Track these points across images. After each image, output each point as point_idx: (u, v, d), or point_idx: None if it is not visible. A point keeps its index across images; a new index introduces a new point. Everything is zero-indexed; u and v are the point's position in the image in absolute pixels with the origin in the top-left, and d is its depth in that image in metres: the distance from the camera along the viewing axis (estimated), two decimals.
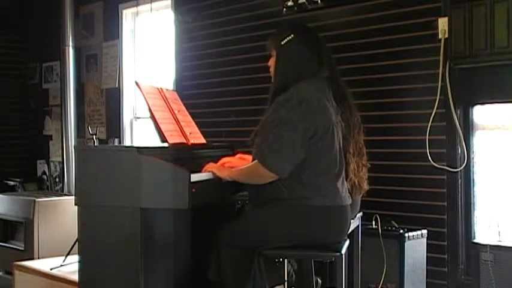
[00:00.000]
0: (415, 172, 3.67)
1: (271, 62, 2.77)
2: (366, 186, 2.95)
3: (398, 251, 3.34)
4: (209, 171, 2.66)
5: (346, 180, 2.74)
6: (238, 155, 2.92)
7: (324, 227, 2.55)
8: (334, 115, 2.61)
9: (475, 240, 3.39)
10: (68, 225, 4.21)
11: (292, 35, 2.68)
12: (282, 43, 2.69)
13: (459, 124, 3.52)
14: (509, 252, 3.14)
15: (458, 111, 3.53)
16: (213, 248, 2.58)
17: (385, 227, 3.50)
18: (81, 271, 2.68)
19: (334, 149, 2.58)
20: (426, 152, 3.58)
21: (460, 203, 3.53)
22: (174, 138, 2.90)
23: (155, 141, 2.92)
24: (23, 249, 4.70)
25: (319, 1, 4.08)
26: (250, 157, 2.73)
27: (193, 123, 3.29)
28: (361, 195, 2.98)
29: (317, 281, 3.27)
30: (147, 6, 5.36)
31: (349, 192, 2.72)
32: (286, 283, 2.92)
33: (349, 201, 2.67)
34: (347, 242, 2.67)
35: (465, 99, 3.53)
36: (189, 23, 5.02)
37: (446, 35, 3.47)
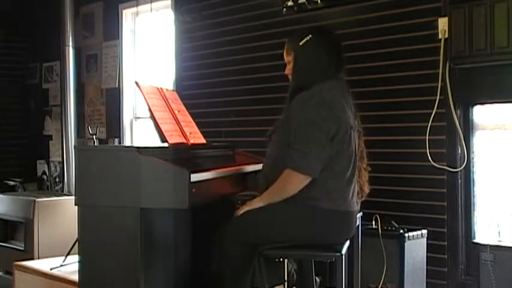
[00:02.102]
0: (415, 172, 3.67)
1: (288, 70, 2.75)
2: (367, 190, 2.95)
3: (398, 251, 3.34)
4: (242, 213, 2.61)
5: None
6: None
7: (328, 230, 2.55)
8: (352, 118, 2.61)
9: (475, 240, 3.38)
10: (68, 225, 4.21)
11: (310, 35, 2.68)
12: (301, 43, 2.67)
13: (459, 124, 3.52)
14: (509, 252, 3.14)
15: (458, 111, 3.53)
16: (215, 243, 2.57)
17: (385, 227, 3.50)
18: (81, 271, 2.68)
19: (350, 152, 2.57)
20: (426, 152, 3.58)
21: (460, 203, 3.53)
22: (174, 138, 2.90)
23: (155, 141, 2.92)
24: (23, 249, 4.69)
25: (319, 1, 4.08)
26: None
27: (193, 123, 3.29)
28: (362, 199, 2.98)
29: (316, 280, 3.28)
30: (147, 6, 5.36)
31: None
32: (286, 283, 2.93)
33: (357, 206, 2.66)
34: (347, 242, 2.67)
35: (465, 99, 3.53)
36: (189, 23, 5.02)
37: (446, 35, 3.47)
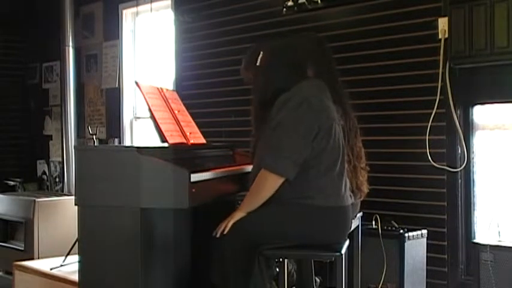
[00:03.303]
0: (415, 172, 3.67)
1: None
2: (365, 189, 2.95)
3: (398, 251, 3.34)
4: (225, 226, 2.57)
5: None
6: None
7: (325, 227, 2.54)
8: (335, 112, 2.61)
9: (475, 240, 3.39)
10: (68, 225, 4.22)
11: (261, 52, 2.72)
12: (257, 63, 2.71)
13: (459, 124, 3.52)
14: (509, 252, 3.15)
15: (458, 111, 3.53)
16: (214, 249, 2.57)
17: (385, 227, 3.51)
18: (81, 271, 2.68)
19: (337, 147, 2.57)
20: (426, 152, 3.58)
21: (460, 203, 3.53)
22: (174, 138, 2.90)
23: (155, 141, 2.91)
24: (23, 249, 4.70)
25: (319, 1, 4.09)
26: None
27: (193, 123, 3.29)
28: (361, 199, 2.98)
29: (316, 280, 3.28)
30: (147, 6, 5.36)
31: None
32: (286, 283, 2.93)
33: (350, 200, 2.66)
34: (347, 242, 2.67)
35: (465, 99, 3.53)
36: (189, 23, 5.02)
37: (446, 35, 3.48)
